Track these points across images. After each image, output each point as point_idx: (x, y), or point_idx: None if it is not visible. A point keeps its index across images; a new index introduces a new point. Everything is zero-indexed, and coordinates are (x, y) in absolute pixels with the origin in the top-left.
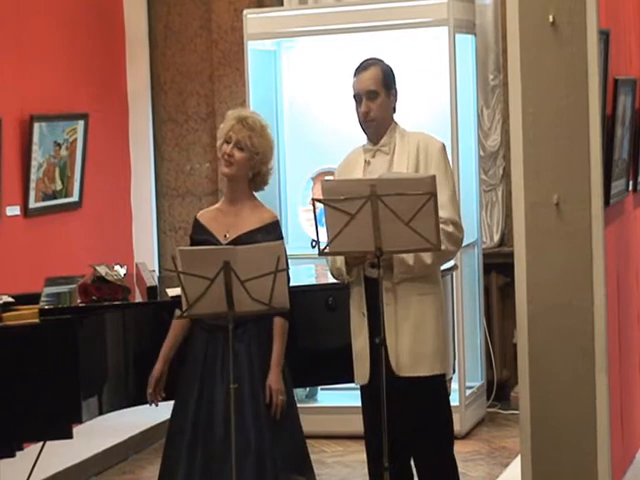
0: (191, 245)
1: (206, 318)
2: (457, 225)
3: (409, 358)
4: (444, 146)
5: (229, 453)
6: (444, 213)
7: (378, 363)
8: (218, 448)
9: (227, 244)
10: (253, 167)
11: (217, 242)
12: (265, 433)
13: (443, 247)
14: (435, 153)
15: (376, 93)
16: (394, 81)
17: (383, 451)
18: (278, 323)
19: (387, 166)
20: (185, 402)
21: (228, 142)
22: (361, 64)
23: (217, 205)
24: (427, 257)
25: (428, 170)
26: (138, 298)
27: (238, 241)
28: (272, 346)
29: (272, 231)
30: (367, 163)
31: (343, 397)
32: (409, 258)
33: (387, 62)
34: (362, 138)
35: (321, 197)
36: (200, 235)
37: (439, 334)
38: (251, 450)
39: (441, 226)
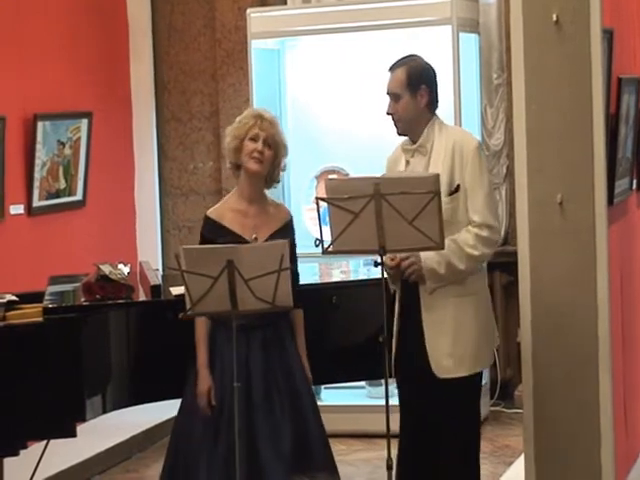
0: (202, 244)
1: (239, 318)
2: (492, 228)
3: (449, 360)
4: (480, 145)
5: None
6: (478, 217)
7: (408, 363)
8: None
9: None
10: (275, 165)
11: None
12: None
13: (477, 252)
14: (470, 154)
15: (397, 96)
16: (424, 79)
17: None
18: (299, 315)
19: (424, 167)
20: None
21: (254, 140)
22: (394, 63)
23: (229, 204)
24: (460, 263)
25: (463, 171)
26: (142, 297)
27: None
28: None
29: (291, 229)
30: (407, 163)
31: (347, 396)
32: (440, 268)
33: (422, 59)
34: (366, 137)
35: (325, 196)
36: (222, 237)
37: (480, 333)
38: (314, 437)
39: (475, 230)
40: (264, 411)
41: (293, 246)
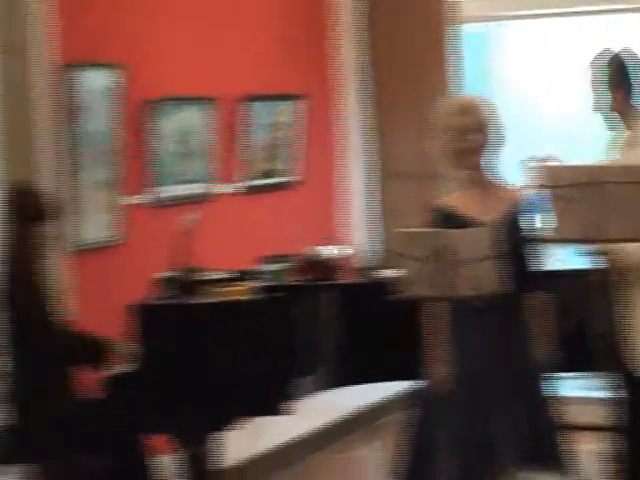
0: None
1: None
2: None
3: None
4: None
5: None
6: None
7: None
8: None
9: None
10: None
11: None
12: None
13: None
14: None
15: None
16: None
17: None
18: (540, 299)
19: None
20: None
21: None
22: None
23: (455, 190)
24: None
25: None
26: (351, 279)
27: (497, 222)
28: None
29: (521, 210)
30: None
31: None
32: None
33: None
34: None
35: (543, 182)
36: (452, 221)
37: None
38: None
39: None
40: (499, 394)
41: (520, 228)
